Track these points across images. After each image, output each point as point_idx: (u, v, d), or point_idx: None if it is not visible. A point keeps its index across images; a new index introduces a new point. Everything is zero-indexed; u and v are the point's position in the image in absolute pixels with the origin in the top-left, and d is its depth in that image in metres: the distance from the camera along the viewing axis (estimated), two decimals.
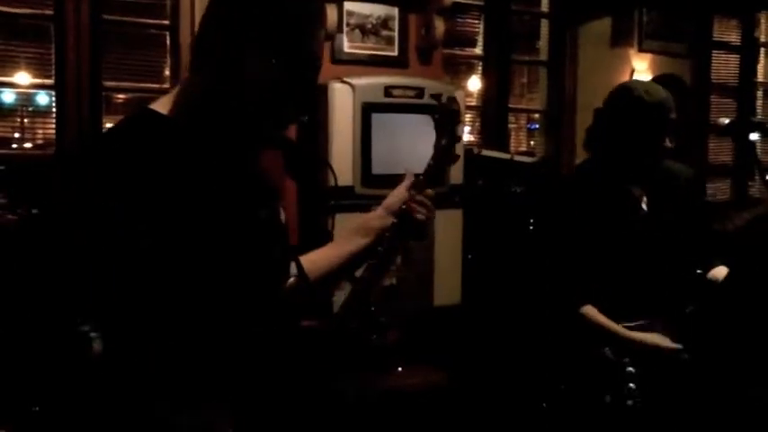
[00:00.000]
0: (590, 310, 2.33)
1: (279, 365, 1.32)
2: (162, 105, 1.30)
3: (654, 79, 4.39)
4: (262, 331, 1.29)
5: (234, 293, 1.24)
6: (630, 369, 2.27)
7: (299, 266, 1.43)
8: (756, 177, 5.51)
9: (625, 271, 2.34)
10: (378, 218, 1.54)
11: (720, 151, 5.55)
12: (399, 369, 3.52)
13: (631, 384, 2.26)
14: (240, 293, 1.25)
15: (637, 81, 2.53)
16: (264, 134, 1.34)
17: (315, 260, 1.51)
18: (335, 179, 1.87)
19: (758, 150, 5.69)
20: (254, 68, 1.24)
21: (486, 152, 4.19)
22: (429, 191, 1.54)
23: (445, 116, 1.65)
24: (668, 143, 2.33)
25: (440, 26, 3.98)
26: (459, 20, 4.57)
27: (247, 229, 1.31)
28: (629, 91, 2.38)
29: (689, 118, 4.96)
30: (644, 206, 2.41)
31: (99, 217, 1.17)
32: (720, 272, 2.44)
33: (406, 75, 3.85)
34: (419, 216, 1.49)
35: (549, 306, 2.49)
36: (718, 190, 5.51)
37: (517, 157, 4.35)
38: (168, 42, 3.65)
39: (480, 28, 4.55)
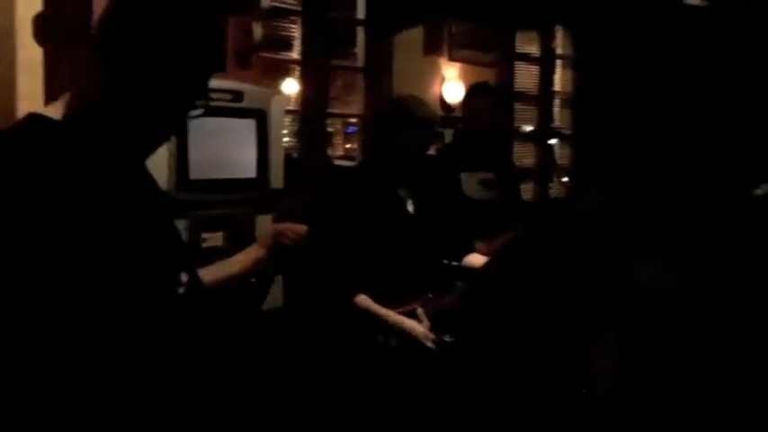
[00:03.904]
0: (362, 299, 2.58)
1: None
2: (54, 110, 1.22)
3: (470, 86, 4.61)
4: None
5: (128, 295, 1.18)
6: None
7: (194, 271, 1.43)
8: (560, 180, 5.95)
9: (393, 263, 2.62)
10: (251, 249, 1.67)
11: (524, 155, 5.92)
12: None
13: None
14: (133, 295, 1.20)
15: (409, 95, 2.82)
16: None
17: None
18: None
19: (557, 154, 6.16)
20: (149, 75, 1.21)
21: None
22: (299, 226, 1.65)
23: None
24: (432, 152, 2.64)
25: (258, 30, 3.96)
26: (276, 24, 4.56)
27: (147, 236, 1.27)
28: (398, 104, 2.72)
29: (498, 124, 5.25)
30: (410, 208, 2.65)
31: None
32: (475, 258, 2.77)
33: (224, 78, 3.79)
34: (285, 242, 1.61)
35: (326, 297, 2.69)
36: (522, 191, 5.85)
37: (337, 162, 4.42)
38: None
39: (297, 32, 4.57)
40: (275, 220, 1.72)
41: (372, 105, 4.78)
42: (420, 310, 2.59)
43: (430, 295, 2.64)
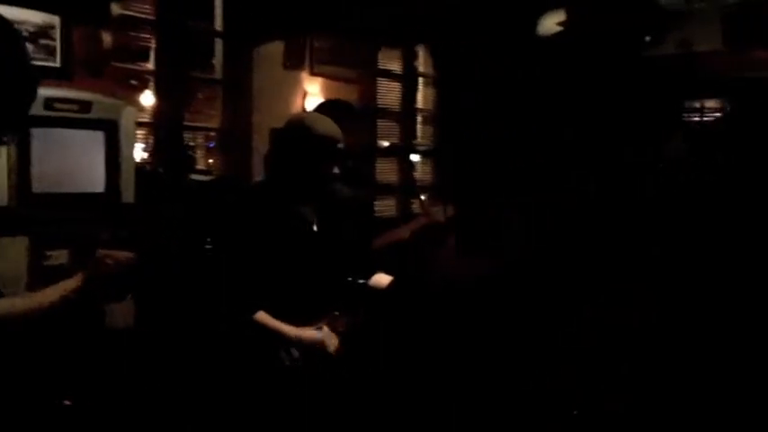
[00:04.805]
0: (262, 316, 2.50)
1: None
2: None
3: (322, 104, 4.60)
4: None
5: None
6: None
7: None
8: (419, 197, 6.03)
9: (298, 282, 2.55)
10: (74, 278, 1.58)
11: (387, 171, 5.97)
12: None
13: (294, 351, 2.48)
14: None
15: (309, 113, 2.73)
16: None
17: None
18: None
19: (417, 170, 6.26)
20: None
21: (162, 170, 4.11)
22: (122, 253, 1.59)
23: None
24: (336, 170, 2.60)
25: (108, 38, 3.81)
26: (132, 33, 4.41)
27: None
28: (300, 122, 2.63)
29: (357, 140, 5.27)
30: (314, 226, 2.58)
31: None
32: (381, 278, 2.77)
33: (71, 87, 3.61)
34: (105, 270, 1.54)
35: (225, 316, 2.58)
36: (386, 207, 5.91)
37: (193, 176, 4.32)
38: None
39: (153, 43, 4.43)
40: (102, 245, 1.63)
41: (231, 119, 4.69)
42: (325, 328, 2.54)
43: (336, 313, 2.60)
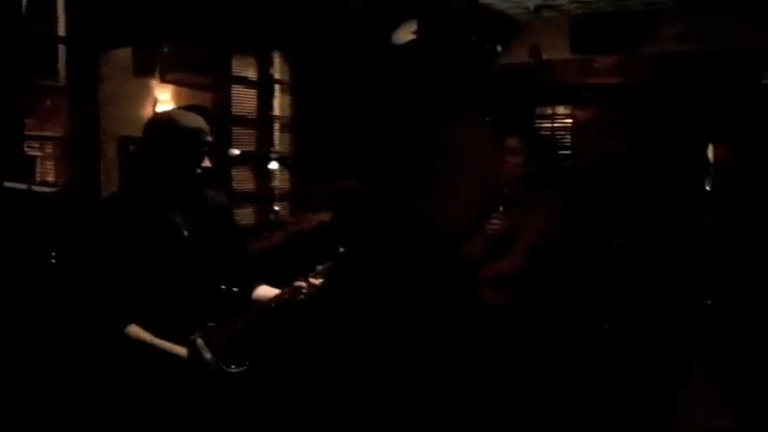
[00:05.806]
0: (133, 329, 2.43)
1: None
2: None
3: (179, 109, 4.51)
4: None
5: None
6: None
7: None
8: (274, 206, 6.02)
9: (171, 291, 2.49)
10: None
11: (242, 179, 5.93)
12: None
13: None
14: None
15: (173, 109, 2.66)
16: None
17: None
18: None
19: (275, 178, 6.25)
20: None
21: None
22: None
23: None
24: (207, 164, 2.54)
25: None
26: None
27: None
28: (166, 118, 2.57)
29: (213, 148, 5.20)
30: (185, 232, 2.55)
31: None
32: (265, 290, 2.73)
33: None
34: None
35: (95, 329, 2.53)
36: (243, 216, 5.86)
37: (36, 187, 4.15)
38: None
39: None
40: None
41: (77, 127, 4.52)
42: (200, 340, 2.46)
43: (210, 324, 2.51)
